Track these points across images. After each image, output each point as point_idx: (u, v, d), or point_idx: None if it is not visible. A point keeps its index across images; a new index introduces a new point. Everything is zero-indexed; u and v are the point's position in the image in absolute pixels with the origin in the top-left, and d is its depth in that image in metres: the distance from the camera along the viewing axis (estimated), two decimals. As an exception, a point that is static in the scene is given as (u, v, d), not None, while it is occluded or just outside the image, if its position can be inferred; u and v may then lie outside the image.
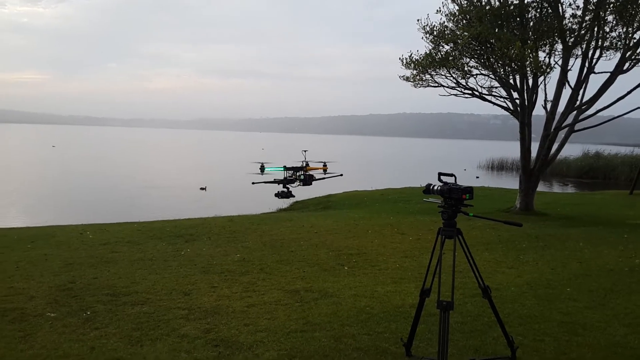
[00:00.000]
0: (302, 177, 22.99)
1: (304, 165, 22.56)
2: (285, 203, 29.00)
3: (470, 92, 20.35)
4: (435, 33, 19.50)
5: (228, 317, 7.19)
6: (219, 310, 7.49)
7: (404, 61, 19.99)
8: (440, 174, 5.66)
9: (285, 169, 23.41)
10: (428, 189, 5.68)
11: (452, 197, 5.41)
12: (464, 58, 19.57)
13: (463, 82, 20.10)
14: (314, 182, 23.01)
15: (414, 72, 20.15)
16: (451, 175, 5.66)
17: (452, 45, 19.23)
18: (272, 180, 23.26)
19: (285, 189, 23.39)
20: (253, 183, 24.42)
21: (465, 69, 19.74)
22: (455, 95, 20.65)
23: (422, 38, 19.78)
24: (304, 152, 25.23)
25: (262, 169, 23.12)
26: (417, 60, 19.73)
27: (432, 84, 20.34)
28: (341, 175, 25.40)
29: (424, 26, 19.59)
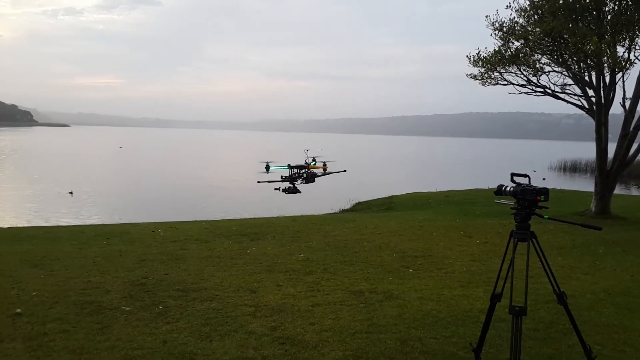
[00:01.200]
0: (304, 175, 23.29)
1: (307, 164, 22.83)
2: (347, 204, 29.02)
3: (541, 90, 19.56)
4: (504, 29, 18.89)
5: (293, 315, 7.25)
6: (285, 308, 7.57)
7: (472, 59, 19.50)
8: (513, 175, 5.44)
9: (290, 167, 23.81)
10: (500, 190, 5.48)
11: (526, 199, 5.18)
12: (536, 55, 18.85)
13: (534, 79, 19.36)
14: (317, 179, 23.26)
15: (482, 70, 19.61)
16: (525, 175, 5.43)
17: (522, 41, 18.58)
18: (279, 178, 23.58)
19: (291, 185, 23.79)
20: (259, 182, 24.75)
21: (537, 66, 19.00)
22: (526, 93, 19.92)
23: (491, 35, 19.22)
24: (306, 151, 25.43)
25: (267, 167, 23.56)
26: (485, 57, 19.20)
27: (501, 82, 19.72)
28: (344, 171, 25.43)
29: (493, 22, 19.03)
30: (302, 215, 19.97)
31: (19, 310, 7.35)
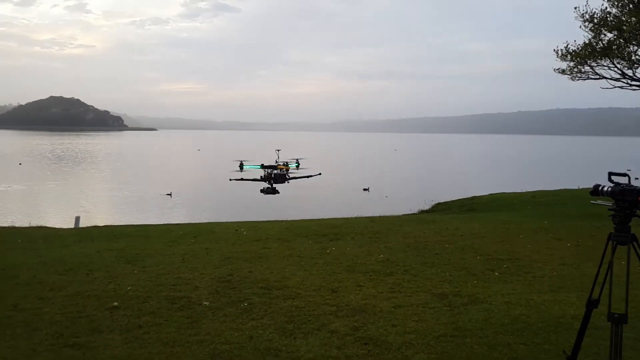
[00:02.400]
0: (273, 175, 22.93)
1: (277, 164, 22.46)
2: (426, 205, 28.53)
3: (638, 83, 18.26)
4: (595, 20, 17.81)
5: (375, 316, 7.21)
6: (366, 309, 7.55)
7: (559, 53, 18.57)
8: (610, 174, 5.09)
9: (263, 167, 23.51)
10: (596, 191, 5.14)
11: (626, 200, 4.83)
12: (631, 46, 17.61)
13: (630, 72, 18.11)
14: (292, 181, 22.76)
15: (571, 64, 18.63)
16: (624, 175, 5.07)
17: (616, 32, 17.42)
18: (255, 177, 23.37)
19: (269, 186, 23.53)
20: (230, 180, 24.77)
21: (633, 58, 17.75)
22: (620, 87, 18.66)
23: (580, 27, 18.20)
24: (277, 152, 24.87)
25: (241, 166, 23.46)
26: (574, 51, 18.22)
27: (592, 76, 18.63)
28: (319, 174, 24.68)
29: (583, 14, 18.00)
30: (380, 216, 19.86)
31: (116, 304, 7.83)
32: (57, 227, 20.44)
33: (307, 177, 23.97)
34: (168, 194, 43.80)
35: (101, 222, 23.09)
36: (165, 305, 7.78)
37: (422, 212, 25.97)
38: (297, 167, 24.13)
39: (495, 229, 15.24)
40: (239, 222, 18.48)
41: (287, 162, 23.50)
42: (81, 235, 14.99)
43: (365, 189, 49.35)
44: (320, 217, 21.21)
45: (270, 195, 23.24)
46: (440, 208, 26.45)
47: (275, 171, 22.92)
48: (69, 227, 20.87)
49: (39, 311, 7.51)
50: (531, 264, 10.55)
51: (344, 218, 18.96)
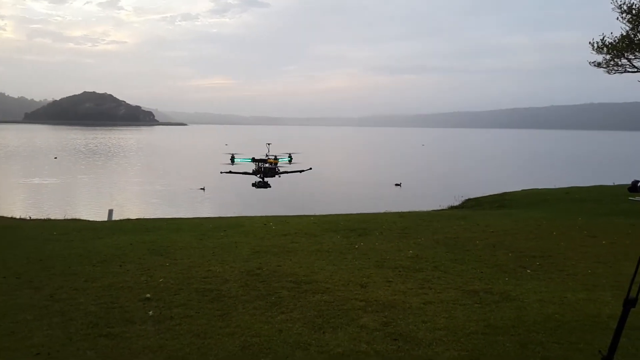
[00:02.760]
0: (262, 169, 22.90)
1: (267, 158, 22.42)
2: (456, 200, 28.21)
3: (679, 76, 17.65)
4: (634, 12, 17.26)
5: (405, 312, 7.17)
6: (395, 304, 7.51)
7: (595, 45, 18.08)
8: (650, 169, 4.93)
9: (254, 160, 23.46)
10: (635, 187, 4.98)
11: (667, 196, 4.68)
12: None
13: (670, 65, 17.52)
14: (283, 175, 22.78)
15: (607, 56, 18.11)
16: (665, 170, 4.90)
17: (656, 24, 16.88)
18: (245, 170, 23.46)
19: (261, 179, 23.50)
20: (222, 172, 24.93)
21: (674, 50, 17.18)
22: (660, 80, 18.06)
23: (618, 19, 17.66)
24: (267, 145, 24.76)
25: (233, 159, 23.51)
26: (610, 43, 17.72)
27: (629, 70, 18.08)
28: (310, 169, 24.62)
29: (620, 5, 17.46)
30: (409, 212, 19.71)
31: (148, 295, 7.98)
32: (90, 219, 20.93)
33: (299, 171, 24.15)
34: (201, 189, 44.41)
35: (133, 215, 23.54)
36: (196, 298, 7.89)
37: (452, 207, 25.70)
38: (290, 161, 24.31)
39: (527, 226, 14.97)
40: (268, 216, 18.58)
41: (275, 156, 23.70)
42: (114, 228, 15.30)
43: (397, 184, 49.20)
44: (348, 212, 21.17)
45: (262, 189, 23.57)
46: (470, 204, 26.11)
47: (266, 165, 23.20)
48: (102, 219, 21.33)
49: (74, 301, 7.70)
50: (565, 262, 10.33)
51: (372, 213, 18.89)
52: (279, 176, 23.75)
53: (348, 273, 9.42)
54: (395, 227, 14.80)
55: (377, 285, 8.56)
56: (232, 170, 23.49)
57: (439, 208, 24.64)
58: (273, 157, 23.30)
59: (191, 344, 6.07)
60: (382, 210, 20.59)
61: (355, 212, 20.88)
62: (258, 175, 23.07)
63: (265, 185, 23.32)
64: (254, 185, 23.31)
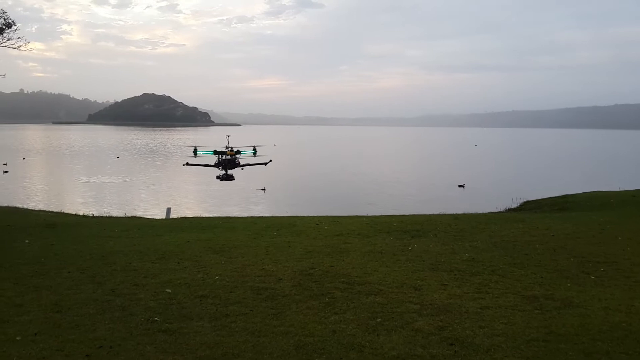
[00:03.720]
0: (221, 160, 23.01)
1: (227, 150, 22.43)
2: (514, 202, 27.36)
3: None
4: None
5: (461, 316, 6.98)
6: (451, 308, 7.33)
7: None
8: None
9: (215, 153, 23.62)
10: None
11: None
12: None
13: None
14: (245, 168, 22.82)
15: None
16: None
17: None
18: (209, 163, 23.64)
19: (224, 172, 23.64)
20: (185, 164, 25.35)
21: None
22: None
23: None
24: (227, 137, 24.89)
25: (195, 152, 23.90)
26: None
27: None
28: (270, 161, 24.48)
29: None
30: (464, 213, 19.26)
31: (205, 292, 8.15)
32: (150, 217, 21.65)
33: (263, 164, 24.76)
34: (262, 189, 44.98)
35: (190, 214, 24.16)
36: (250, 296, 7.99)
37: (509, 210, 24.94)
38: (254, 154, 24.93)
39: (591, 230, 14.30)
40: (320, 216, 18.64)
41: (232, 148, 24.36)
42: (172, 226, 15.76)
43: (460, 186, 48.30)
44: (401, 213, 20.94)
45: (226, 181, 24.38)
46: (529, 206, 25.22)
47: (225, 156, 23.85)
48: (161, 217, 22.02)
49: (134, 297, 7.97)
50: (632, 268, 9.81)
51: (426, 215, 18.58)
52: (242, 168, 24.65)
53: (402, 275, 9.29)
54: (450, 229, 14.49)
55: (431, 288, 8.40)
56: (195, 163, 24.50)
57: (496, 210, 23.97)
58: (230, 149, 24.13)
59: (246, 342, 6.14)
60: (435, 212, 20.21)
61: (408, 213, 20.64)
62: (219, 167, 23.99)
63: (229, 177, 24.24)
64: (218, 177, 24.20)
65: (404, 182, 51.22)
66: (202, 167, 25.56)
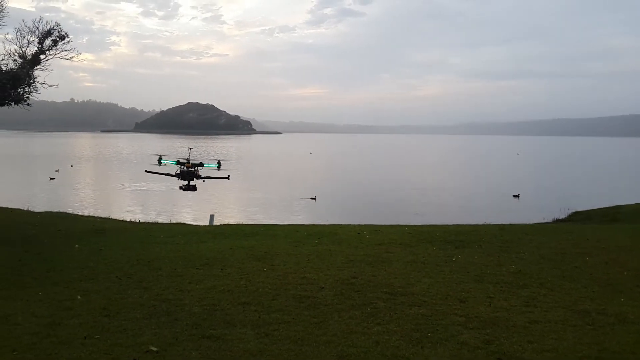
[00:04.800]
0: (178, 172, 23.45)
1: (188, 161, 22.91)
2: (562, 213, 26.53)
3: None
4: None
5: (508, 330, 6.78)
6: (498, 322, 7.13)
7: None
8: None
9: (178, 163, 24.07)
10: None
11: None
12: None
13: None
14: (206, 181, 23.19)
15: None
16: None
17: None
18: (171, 172, 24.09)
19: (187, 182, 24.05)
20: (146, 172, 25.88)
21: None
22: None
23: None
24: (189, 149, 25.29)
25: (160, 160, 24.42)
26: None
27: None
28: (228, 177, 24.94)
29: None
30: (510, 224, 18.77)
31: (247, 299, 8.21)
32: (193, 224, 22.03)
33: (225, 177, 25.83)
34: (312, 198, 45.03)
35: (232, 221, 24.48)
36: (292, 304, 7.99)
37: (557, 221, 24.18)
38: (218, 167, 25.75)
39: (645, 242, 13.69)
40: (361, 225, 18.52)
41: (189, 160, 25.36)
42: (215, 233, 15.98)
43: (515, 196, 46.96)
44: (443, 222, 20.60)
45: (190, 192, 25.31)
46: (578, 217, 24.39)
47: (183, 168, 24.69)
48: (204, 224, 22.38)
49: (179, 302, 8.10)
50: (691, 284, 9.32)
51: (470, 225, 18.18)
52: (203, 180, 25.62)
53: (446, 286, 9.11)
54: (495, 240, 14.15)
55: (477, 301, 8.20)
56: (156, 171, 25.48)
57: (544, 221, 23.28)
58: (187, 161, 25.17)
59: (289, 350, 6.14)
60: (480, 222, 19.78)
61: (450, 223, 20.28)
62: (179, 178, 24.94)
63: (192, 188, 25.25)
64: (181, 188, 25.15)
65: (445, 190, 50.45)
66: (164, 176, 26.90)
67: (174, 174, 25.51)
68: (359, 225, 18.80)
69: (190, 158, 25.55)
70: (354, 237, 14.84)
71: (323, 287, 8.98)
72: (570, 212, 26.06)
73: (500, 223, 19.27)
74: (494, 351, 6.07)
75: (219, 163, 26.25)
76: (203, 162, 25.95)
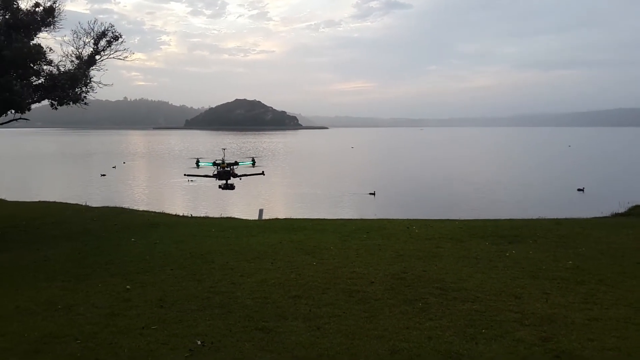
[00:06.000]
0: (215, 173, 23.18)
1: (222, 162, 22.63)
2: (621, 207, 25.38)
3: None
4: None
5: (567, 328, 6.56)
6: (555, 319, 6.91)
7: None
8: None
9: (214, 164, 23.87)
10: None
11: None
12: None
13: None
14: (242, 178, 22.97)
15: None
16: None
17: None
18: (209, 174, 23.97)
19: (225, 181, 23.79)
20: (185, 175, 25.94)
21: None
22: None
23: None
24: (223, 150, 24.97)
25: (198, 163, 24.37)
26: None
27: None
28: (262, 173, 24.50)
29: None
30: (566, 218, 18.10)
31: (298, 293, 8.28)
32: (243, 218, 22.38)
33: (254, 174, 26.13)
34: (371, 194, 44.76)
35: (281, 215, 24.71)
36: (343, 298, 8.00)
37: (616, 215, 23.14)
38: (253, 164, 26.08)
39: None
40: (410, 219, 18.31)
41: (224, 160, 25.73)
42: (265, 227, 16.17)
43: (579, 189, 45.23)
44: (495, 216, 20.11)
45: (228, 190, 25.82)
46: (638, 211, 23.29)
47: (219, 168, 25.06)
48: (254, 218, 22.69)
49: (232, 295, 8.25)
50: None
51: (524, 219, 17.65)
52: (240, 179, 26.04)
53: (499, 282, 8.90)
54: (551, 235, 13.70)
55: (533, 297, 7.97)
56: (195, 173, 26.10)
57: (601, 215, 22.34)
58: (222, 162, 25.69)
59: (341, 344, 6.15)
60: (535, 217, 19.18)
61: (502, 217, 19.78)
62: (217, 178, 25.44)
63: (230, 187, 25.74)
64: (220, 187, 25.66)
65: (500, 184, 49.18)
66: (203, 177, 27.82)
67: (211, 174, 26.34)
68: (407, 219, 18.60)
69: (225, 158, 26.34)
70: (402, 231, 14.69)
71: (373, 282, 8.95)
72: (629, 205, 24.88)
73: (556, 217, 18.63)
74: (551, 349, 5.89)
75: (253, 160, 27.07)
76: (238, 161, 26.81)
